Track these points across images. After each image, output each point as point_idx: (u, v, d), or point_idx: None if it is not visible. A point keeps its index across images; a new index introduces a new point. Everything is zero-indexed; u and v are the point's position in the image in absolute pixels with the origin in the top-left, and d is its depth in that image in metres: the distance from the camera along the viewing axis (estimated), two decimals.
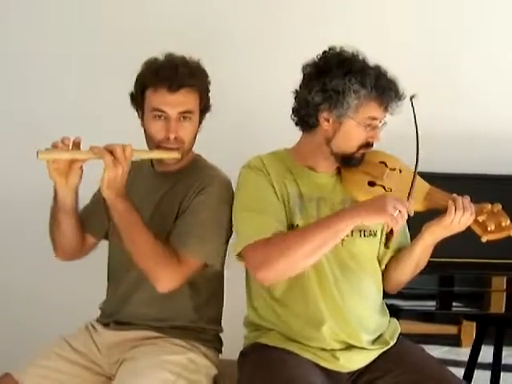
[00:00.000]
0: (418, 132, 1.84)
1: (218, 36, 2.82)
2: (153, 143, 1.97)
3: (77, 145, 1.84)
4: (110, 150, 1.81)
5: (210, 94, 2.05)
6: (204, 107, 2.02)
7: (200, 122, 2.04)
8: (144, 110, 1.99)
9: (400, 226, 1.76)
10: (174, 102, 1.93)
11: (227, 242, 2.00)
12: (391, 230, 1.80)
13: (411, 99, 1.85)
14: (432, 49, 2.87)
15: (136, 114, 2.05)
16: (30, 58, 2.91)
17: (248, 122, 2.84)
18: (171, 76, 1.92)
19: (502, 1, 2.96)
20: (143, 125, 2.01)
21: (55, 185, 1.90)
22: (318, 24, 2.84)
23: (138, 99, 2.00)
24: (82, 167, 1.87)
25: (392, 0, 2.92)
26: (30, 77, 2.91)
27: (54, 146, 1.83)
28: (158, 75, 1.93)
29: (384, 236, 1.91)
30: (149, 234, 1.87)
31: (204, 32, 2.81)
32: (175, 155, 1.95)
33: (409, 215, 1.77)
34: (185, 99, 1.95)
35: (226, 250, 2.01)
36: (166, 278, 1.88)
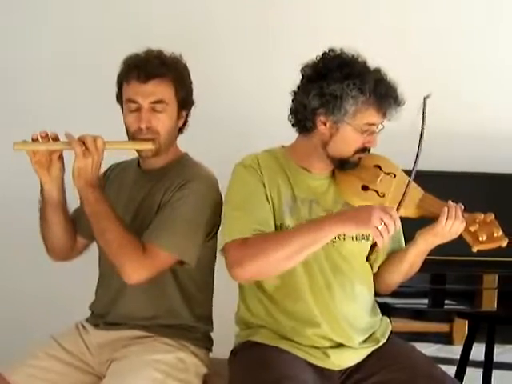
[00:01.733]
0: (423, 137, 1.80)
1: (211, 38, 2.82)
2: (129, 135, 1.99)
3: (54, 139, 1.88)
4: (82, 141, 1.83)
5: (191, 88, 2.04)
6: (182, 99, 2.01)
7: (182, 118, 2.04)
8: (123, 108, 2.01)
9: (385, 240, 1.71)
10: (144, 92, 1.95)
11: (212, 237, 2.00)
12: (375, 243, 1.78)
13: (425, 100, 1.81)
14: (428, 49, 2.88)
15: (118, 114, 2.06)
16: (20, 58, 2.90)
17: (242, 124, 2.84)
18: (141, 66, 1.94)
19: (500, 1, 2.97)
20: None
21: (40, 179, 1.92)
22: (312, 24, 2.84)
23: (118, 97, 2.03)
24: (62, 158, 1.91)
25: (390, 1, 2.92)
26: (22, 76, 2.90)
27: (32, 140, 1.87)
28: (129, 68, 1.97)
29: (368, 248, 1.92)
30: (118, 225, 1.87)
31: (197, 33, 2.80)
32: (149, 146, 1.95)
33: (402, 220, 1.75)
34: (156, 89, 1.95)
35: (215, 246, 2.00)
36: (132, 269, 1.87)
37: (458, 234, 1.82)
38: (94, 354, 1.99)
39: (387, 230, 1.69)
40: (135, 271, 1.87)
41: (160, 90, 1.96)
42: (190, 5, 2.88)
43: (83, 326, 2.07)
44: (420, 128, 1.80)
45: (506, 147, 2.91)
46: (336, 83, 1.83)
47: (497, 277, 3.19)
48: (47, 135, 1.87)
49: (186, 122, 2.07)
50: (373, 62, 1.91)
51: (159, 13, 2.86)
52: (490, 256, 2.68)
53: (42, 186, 1.94)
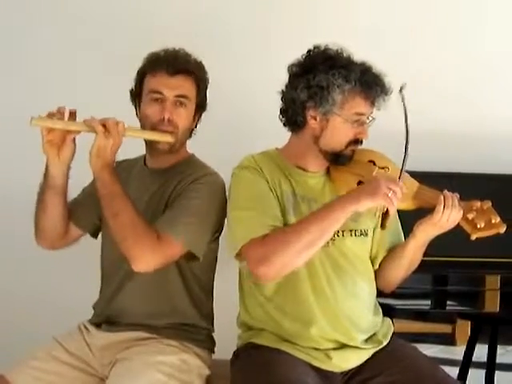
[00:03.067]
0: (408, 123, 1.82)
1: (214, 39, 2.82)
2: (148, 126, 1.99)
3: (72, 115, 1.88)
4: (103, 123, 1.84)
5: (206, 91, 2.06)
6: (200, 101, 2.04)
7: (195, 119, 2.05)
8: (142, 98, 2.02)
9: (395, 206, 1.76)
10: (171, 85, 1.97)
11: (216, 238, 2.01)
12: (387, 210, 1.80)
13: (401, 90, 1.82)
14: (428, 49, 2.87)
15: (134, 111, 2.06)
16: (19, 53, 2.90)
17: (242, 123, 2.84)
18: (170, 60, 1.98)
19: (493, 2, 2.97)
20: (140, 117, 2.03)
21: (47, 160, 1.91)
22: (312, 23, 2.84)
23: (136, 91, 2.04)
24: (74, 141, 1.90)
25: (385, 2, 2.92)
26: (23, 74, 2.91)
27: (49, 116, 1.85)
28: (157, 61, 2.00)
29: (380, 217, 1.91)
30: (132, 208, 1.87)
31: (198, 32, 2.80)
32: (168, 138, 1.96)
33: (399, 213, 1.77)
34: (182, 83, 1.99)
35: (218, 245, 2.02)
36: (142, 255, 1.85)
37: (456, 222, 1.82)
38: (97, 356, 1.99)
39: (396, 196, 1.74)
40: (145, 257, 1.85)
41: (186, 85, 1.99)
42: (193, 6, 2.88)
43: (86, 328, 2.06)
44: (404, 117, 1.82)
45: (507, 148, 2.91)
46: (322, 74, 1.85)
47: (499, 278, 3.19)
48: (63, 112, 1.85)
49: (196, 126, 2.08)
50: (374, 63, 1.91)
51: (160, 13, 2.86)
52: (492, 257, 2.70)
53: (46, 167, 1.93)
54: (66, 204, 2.03)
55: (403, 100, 1.81)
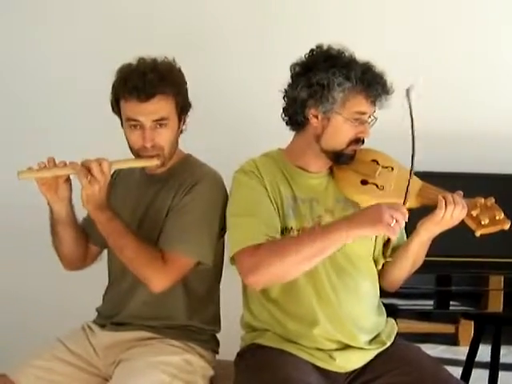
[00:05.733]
0: (414, 128, 1.78)
1: (214, 38, 2.82)
2: (133, 151, 1.98)
3: (51, 162, 1.86)
4: (87, 167, 1.83)
5: (187, 93, 2.02)
6: (181, 108, 2.00)
7: (181, 122, 2.02)
8: (122, 119, 1.99)
9: (396, 235, 1.72)
10: (146, 111, 1.91)
11: (221, 237, 2.01)
12: (388, 239, 1.79)
13: (407, 92, 1.78)
14: (424, 48, 2.87)
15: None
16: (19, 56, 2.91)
17: (242, 124, 2.83)
18: (139, 85, 1.88)
19: (494, 2, 2.96)
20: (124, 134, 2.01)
21: (47, 200, 1.93)
22: (313, 24, 2.84)
23: (115, 108, 2.00)
24: (69, 180, 1.91)
25: (385, 1, 2.91)
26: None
27: (32, 168, 1.86)
28: (126, 85, 1.91)
29: (382, 245, 1.92)
30: (133, 239, 1.89)
31: (197, 33, 2.80)
32: (155, 162, 1.95)
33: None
34: (157, 107, 1.91)
35: (223, 245, 2.02)
36: (156, 279, 1.89)
37: (460, 219, 1.81)
38: (101, 356, 1.99)
39: (399, 225, 1.70)
40: (159, 280, 1.89)
41: (161, 107, 1.92)
42: (192, 6, 2.88)
43: (89, 328, 2.07)
44: (410, 119, 1.78)
45: (508, 147, 2.90)
46: (322, 73, 1.85)
47: (503, 278, 3.18)
48: (54, 162, 1.86)
49: (184, 122, 2.05)
50: (376, 63, 1.91)
51: (160, 14, 2.86)
52: (495, 257, 2.70)
53: (49, 204, 1.95)
54: (79, 232, 2.06)
55: (410, 103, 1.76)
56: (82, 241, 2.09)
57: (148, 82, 1.88)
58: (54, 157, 1.87)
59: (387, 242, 1.81)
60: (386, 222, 1.68)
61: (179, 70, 2.01)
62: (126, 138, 1.99)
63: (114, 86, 1.97)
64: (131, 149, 1.98)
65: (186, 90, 2.02)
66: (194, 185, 1.97)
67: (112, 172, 1.90)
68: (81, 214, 2.05)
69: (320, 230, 1.80)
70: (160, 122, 1.93)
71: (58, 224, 1.99)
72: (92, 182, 1.82)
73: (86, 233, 2.11)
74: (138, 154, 1.96)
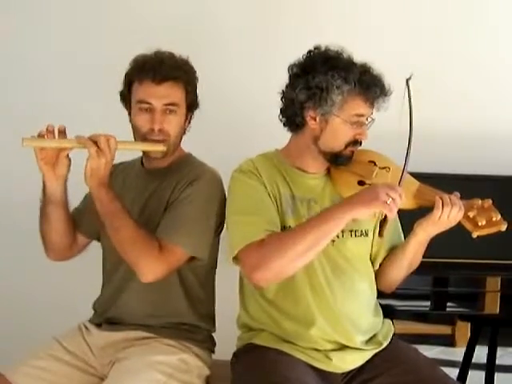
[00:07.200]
0: (412, 118, 1.80)
1: (214, 39, 2.82)
2: (139, 136, 1.99)
3: (62, 133, 1.86)
4: (95, 141, 1.83)
5: (197, 92, 2.05)
6: (190, 103, 2.03)
7: (188, 120, 2.05)
8: (131, 103, 2.00)
9: (394, 213, 1.74)
10: (158, 94, 1.95)
11: (218, 235, 2.01)
12: (385, 218, 1.80)
13: (407, 82, 1.80)
14: (423, 49, 2.87)
15: (126, 112, 2.05)
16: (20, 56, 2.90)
17: (241, 124, 2.84)
18: (156, 68, 1.94)
19: (494, 2, 2.97)
20: (131, 122, 2.02)
21: (43, 176, 1.91)
22: (312, 24, 2.84)
23: (125, 95, 2.02)
24: (68, 156, 1.89)
25: (386, 1, 2.91)
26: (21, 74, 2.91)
27: (40, 136, 1.85)
28: (143, 68, 1.96)
29: (378, 225, 1.90)
30: (131, 222, 1.88)
31: (196, 33, 2.80)
32: (160, 148, 1.96)
33: (400, 213, 1.76)
34: (170, 91, 1.96)
35: (218, 243, 2.03)
36: (148, 268, 1.87)
37: (457, 220, 1.81)
38: (97, 355, 1.99)
39: (395, 203, 1.72)
40: (151, 269, 1.87)
41: (173, 92, 1.97)
42: (193, 6, 2.88)
43: (86, 327, 2.07)
44: (408, 111, 1.80)
45: (508, 149, 2.91)
46: (321, 75, 1.85)
47: (499, 280, 3.20)
48: (53, 130, 1.85)
49: (189, 123, 2.08)
50: (374, 65, 1.92)
51: (161, 14, 2.86)
52: (492, 259, 2.70)
53: (44, 183, 1.93)
54: (69, 215, 2.04)
55: (409, 91, 1.78)
56: (71, 228, 2.06)
57: (165, 66, 1.95)
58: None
59: (384, 220, 1.81)
60: (381, 200, 1.71)
61: (193, 68, 2.05)
62: (133, 124, 2.00)
63: (127, 73, 2.01)
64: (137, 133, 1.99)
65: (196, 86, 2.05)
66: (193, 180, 1.97)
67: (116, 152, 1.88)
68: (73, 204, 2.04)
69: (315, 218, 1.80)
70: (170, 108, 1.96)
71: (50, 204, 1.96)
72: (99, 154, 1.82)
73: (75, 222, 2.09)
74: (144, 137, 1.97)
